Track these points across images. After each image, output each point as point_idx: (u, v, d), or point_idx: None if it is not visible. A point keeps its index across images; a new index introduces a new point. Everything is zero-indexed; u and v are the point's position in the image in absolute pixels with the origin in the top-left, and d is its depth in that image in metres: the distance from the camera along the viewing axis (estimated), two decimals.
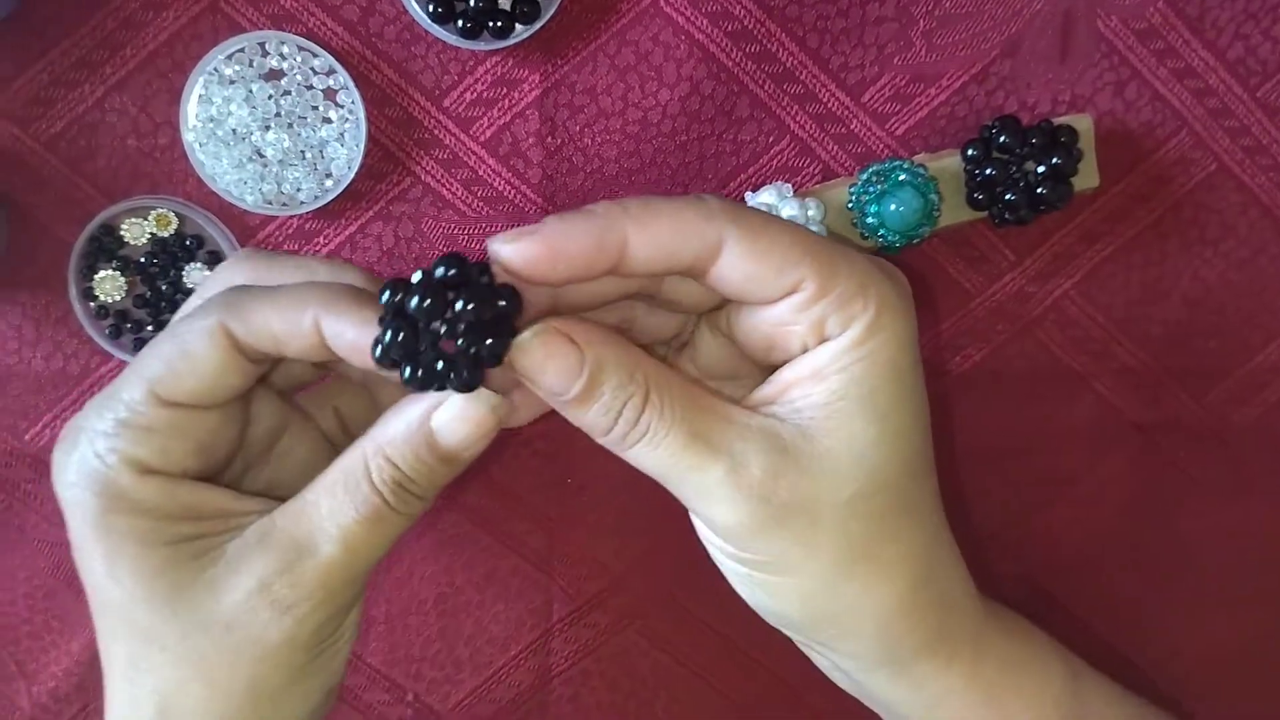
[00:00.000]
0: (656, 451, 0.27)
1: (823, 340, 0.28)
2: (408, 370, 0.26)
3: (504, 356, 0.27)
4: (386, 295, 0.26)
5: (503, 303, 0.27)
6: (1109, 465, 0.48)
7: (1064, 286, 0.45)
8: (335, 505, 0.28)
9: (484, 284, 0.27)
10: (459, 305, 0.26)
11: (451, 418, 0.28)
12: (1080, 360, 0.46)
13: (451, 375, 0.26)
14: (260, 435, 0.31)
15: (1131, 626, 0.49)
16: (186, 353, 0.28)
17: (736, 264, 0.27)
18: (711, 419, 0.27)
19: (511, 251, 0.26)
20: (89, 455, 0.27)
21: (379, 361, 0.26)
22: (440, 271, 0.27)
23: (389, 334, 0.26)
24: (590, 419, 0.27)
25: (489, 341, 0.26)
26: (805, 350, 0.28)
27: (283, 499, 0.29)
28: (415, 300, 0.26)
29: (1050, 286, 0.45)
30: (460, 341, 0.26)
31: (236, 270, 0.30)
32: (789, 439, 0.27)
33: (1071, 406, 0.47)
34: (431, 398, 0.28)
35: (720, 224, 0.27)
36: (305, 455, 0.33)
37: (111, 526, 0.27)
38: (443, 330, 0.26)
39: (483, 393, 0.28)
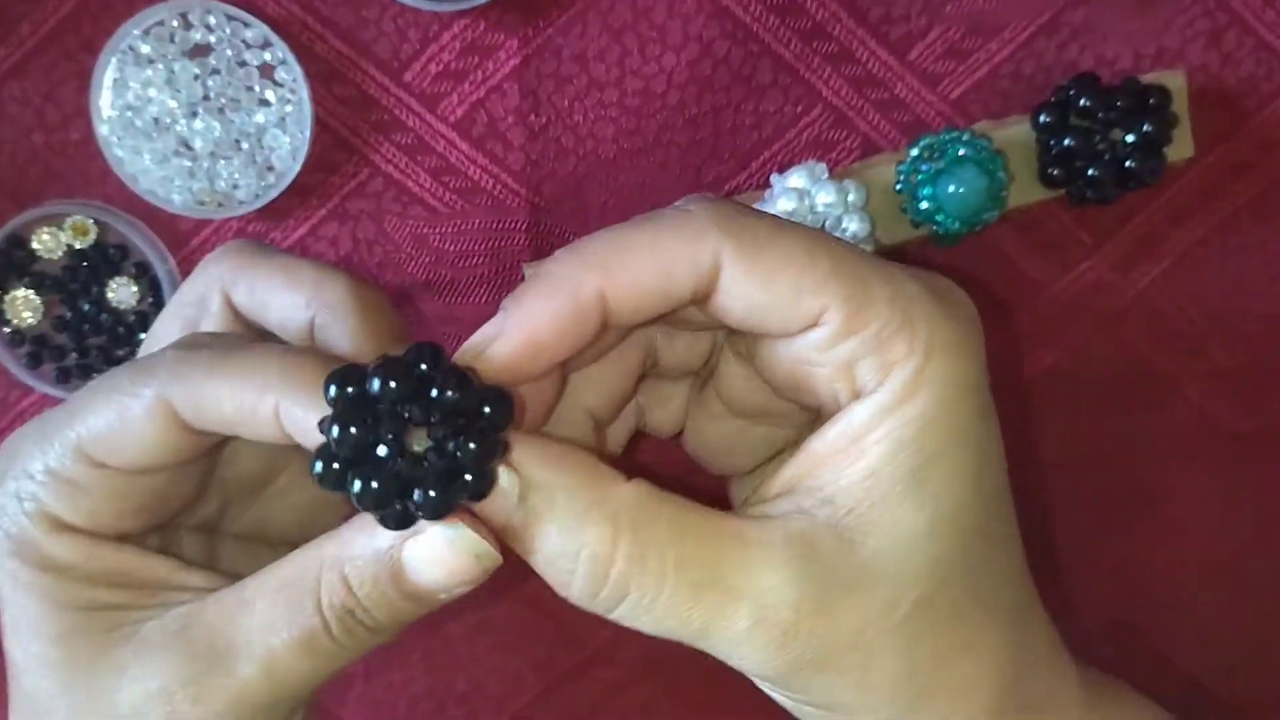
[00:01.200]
0: (652, 614, 0.21)
1: (856, 393, 0.22)
2: (358, 483, 0.21)
3: (491, 474, 0.22)
4: (334, 387, 0.21)
5: (488, 409, 0.21)
6: (1201, 480, 0.41)
7: (1150, 275, 0.38)
8: (270, 617, 0.23)
9: (465, 378, 0.21)
10: (436, 395, 0.21)
11: (426, 557, 0.22)
12: (1169, 360, 0.39)
13: (418, 495, 0.21)
14: (242, 476, 0.27)
15: (1229, 668, 0.43)
16: (124, 421, 0.23)
17: (737, 291, 0.22)
18: (721, 551, 0.21)
19: (488, 361, 0.22)
20: (9, 493, 0.24)
21: (320, 480, 0.21)
22: (411, 357, 0.21)
23: (336, 431, 0.21)
24: (542, 566, 0.22)
25: (473, 448, 0.21)
26: (837, 398, 0.22)
27: (271, 541, 0.27)
28: (377, 382, 0.21)
29: (1134, 275, 0.38)
30: (438, 447, 0.21)
31: (220, 265, 0.26)
32: (825, 551, 0.21)
33: (1159, 413, 0.40)
34: (387, 534, 0.22)
35: (713, 241, 0.22)
36: (308, 499, 0.28)
37: (18, 577, 0.24)
38: (415, 428, 0.21)
39: (467, 535, 0.22)
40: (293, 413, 0.22)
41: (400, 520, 0.21)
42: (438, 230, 0.35)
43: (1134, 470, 0.41)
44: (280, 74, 0.34)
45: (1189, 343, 0.39)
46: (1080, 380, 0.39)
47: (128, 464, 0.24)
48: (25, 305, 0.35)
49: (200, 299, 0.26)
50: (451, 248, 0.36)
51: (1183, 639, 0.43)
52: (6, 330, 0.36)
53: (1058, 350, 0.39)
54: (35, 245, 0.35)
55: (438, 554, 0.22)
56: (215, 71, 0.34)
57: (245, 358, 0.23)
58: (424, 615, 0.23)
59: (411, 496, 0.21)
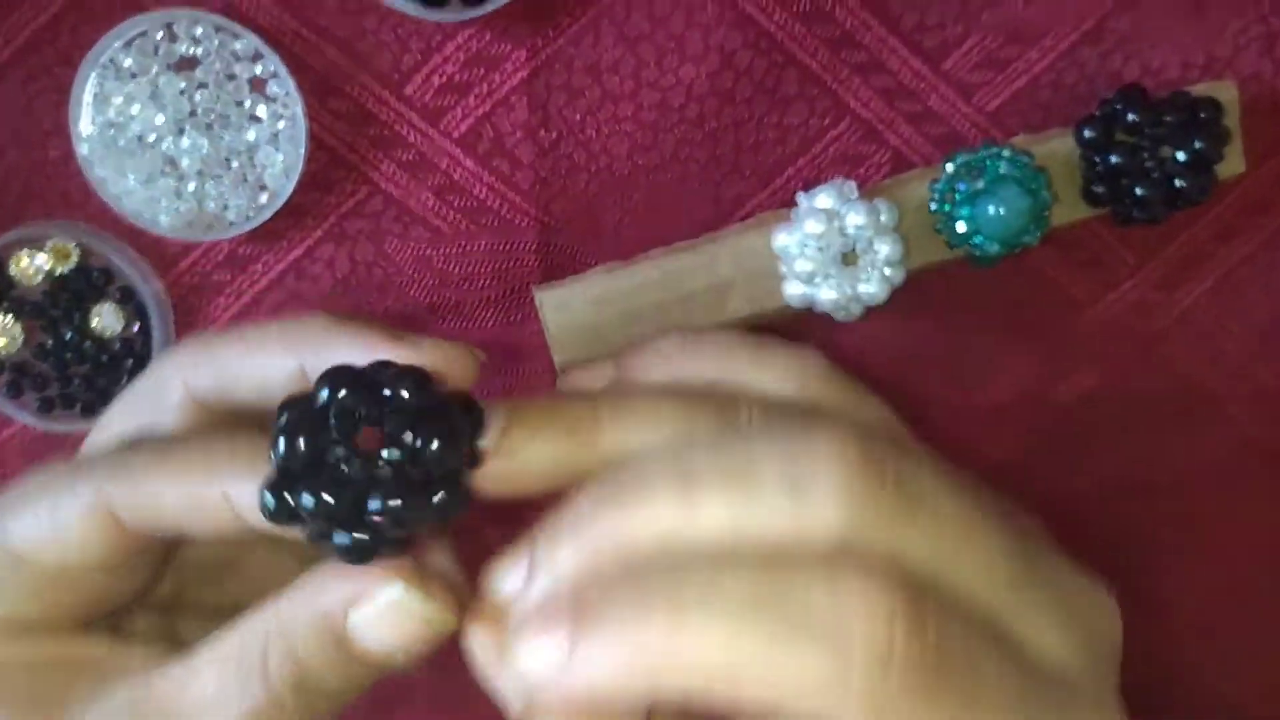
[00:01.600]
0: None
1: None
2: (308, 498, 0.19)
3: (464, 489, 0.19)
4: (281, 412, 0.18)
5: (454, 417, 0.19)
6: (1248, 508, 0.39)
7: (1194, 294, 0.36)
8: (220, 691, 0.21)
9: (423, 381, 0.19)
10: (399, 403, 0.19)
11: (373, 621, 0.20)
12: (1214, 382, 0.37)
13: (374, 503, 0.19)
14: (204, 559, 0.26)
15: (1274, 696, 0.41)
16: (56, 521, 0.22)
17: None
18: None
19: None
20: None
21: (270, 514, 0.19)
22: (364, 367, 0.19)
23: (282, 446, 0.19)
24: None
25: (437, 448, 0.19)
26: None
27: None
28: (325, 391, 0.19)
29: (1178, 294, 0.36)
30: (398, 446, 0.19)
31: (175, 356, 0.24)
32: None
33: (1203, 438, 0.38)
34: (344, 582, 0.20)
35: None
36: (276, 579, 0.25)
37: None
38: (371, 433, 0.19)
39: (414, 597, 0.20)
40: (243, 495, 0.20)
41: (360, 549, 0.19)
42: (441, 251, 0.33)
43: (1176, 496, 0.39)
44: (272, 88, 0.31)
45: (1234, 363, 0.37)
46: (1122, 403, 0.37)
47: (59, 564, 0.23)
48: (4, 332, 0.33)
49: (156, 392, 0.24)
50: (456, 270, 0.33)
51: (1226, 670, 0.41)
52: None
53: (1097, 372, 0.37)
54: (13, 270, 0.33)
55: (384, 618, 0.20)
56: (203, 86, 0.31)
57: (189, 447, 0.22)
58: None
59: (369, 511, 0.19)
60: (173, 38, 0.31)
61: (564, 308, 0.33)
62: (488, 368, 0.24)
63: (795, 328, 0.35)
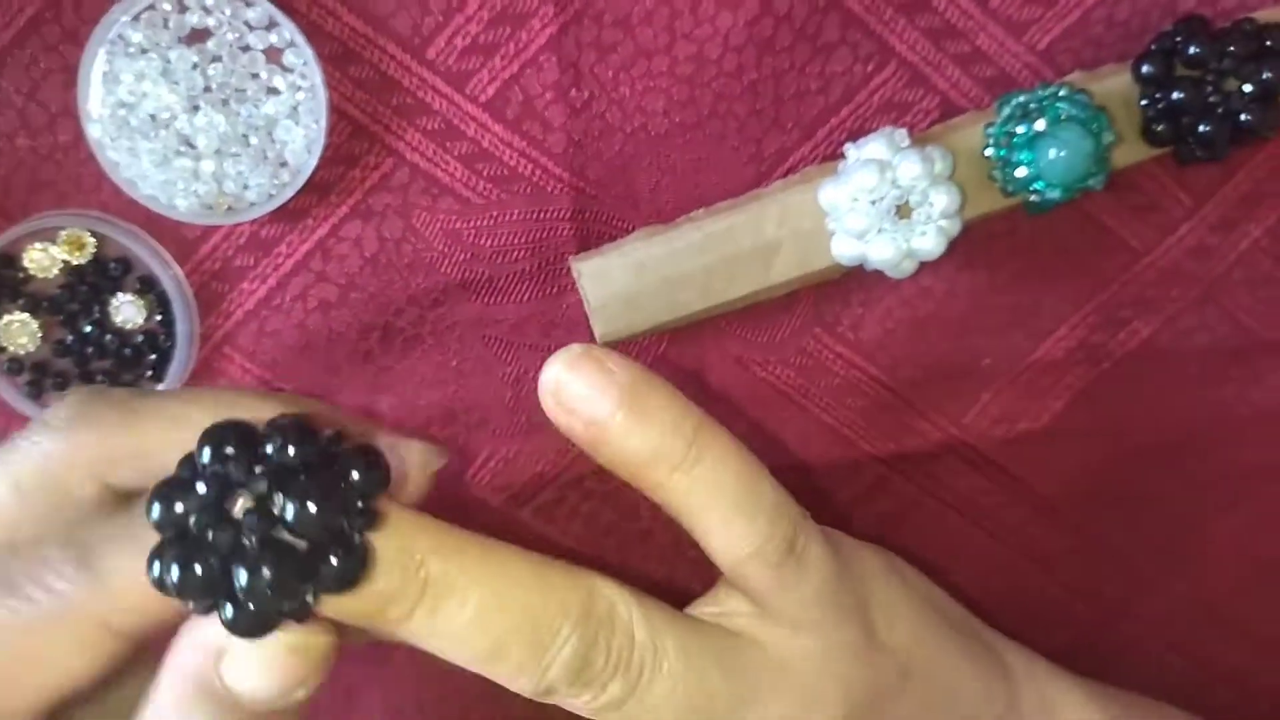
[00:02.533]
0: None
1: None
2: (173, 569, 0.18)
3: (351, 567, 0.19)
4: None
5: (356, 473, 0.19)
6: None
7: (1253, 235, 0.35)
8: None
9: (307, 432, 0.19)
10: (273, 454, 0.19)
11: (245, 672, 0.19)
12: (1273, 328, 0.36)
13: (241, 577, 0.18)
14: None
15: None
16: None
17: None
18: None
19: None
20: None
21: (153, 582, 0.18)
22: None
23: (156, 510, 0.19)
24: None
25: (312, 511, 0.18)
26: None
27: None
28: (207, 450, 0.19)
29: (1236, 236, 0.35)
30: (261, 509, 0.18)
31: (74, 445, 0.22)
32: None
33: (1261, 386, 0.37)
34: (209, 635, 0.19)
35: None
36: None
37: None
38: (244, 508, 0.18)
39: (279, 635, 0.19)
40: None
41: (244, 623, 0.18)
42: (472, 224, 0.32)
43: (1234, 448, 0.38)
44: (289, 58, 0.30)
45: None
46: (1177, 353, 0.36)
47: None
48: (21, 330, 0.32)
49: (58, 494, 0.22)
50: (488, 243, 0.32)
51: None
52: (3, 358, 0.32)
53: (1155, 321, 0.35)
54: (27, 263, 0.32)
55: (255, 666, 0.19)
56: (216, 59, 0.30)
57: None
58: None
59: (237, 584, 0.18)
60: (182, 8, 0.29)
61: (603, 277, 0.31)
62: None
63: (843, 285, 0.34)
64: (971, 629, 0.31)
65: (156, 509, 0.19)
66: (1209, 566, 0.39)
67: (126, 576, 0.20)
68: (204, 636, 0.20)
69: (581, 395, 0.22)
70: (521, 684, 0.21)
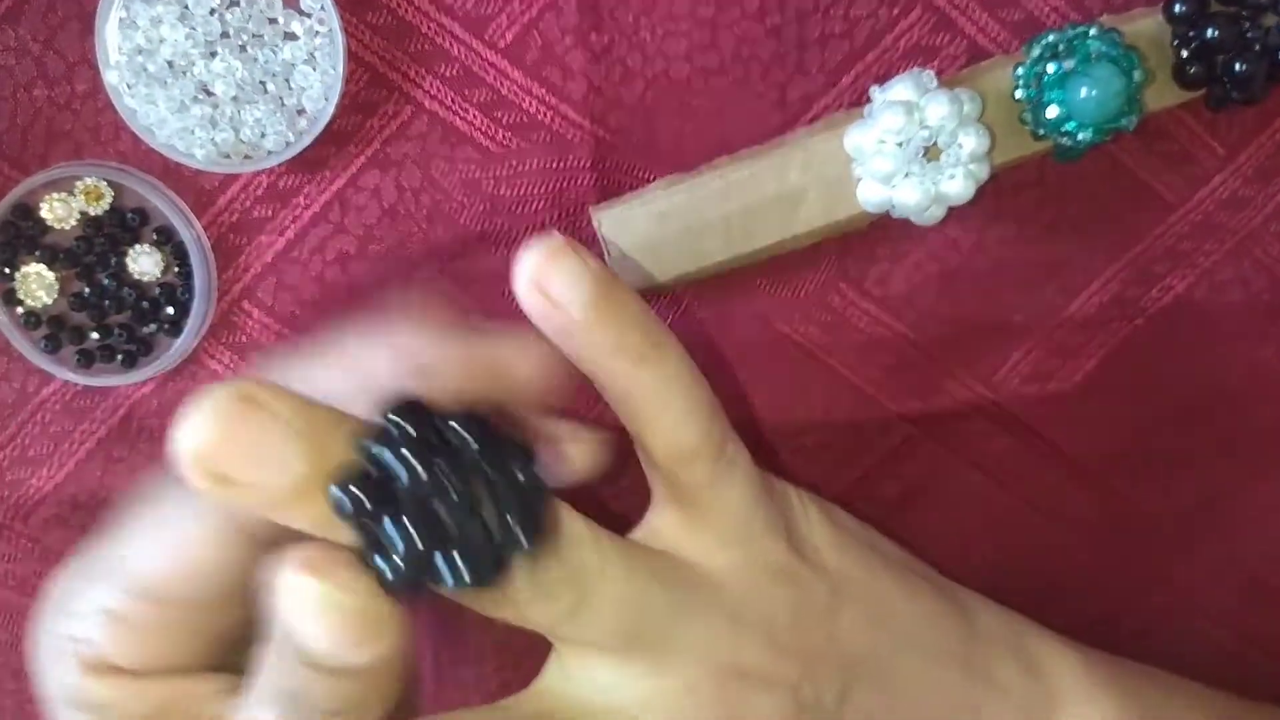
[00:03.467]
0: None
1: None
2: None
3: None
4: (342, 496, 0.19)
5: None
6: None
7: None
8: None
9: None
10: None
11: (295, 614, 0.19)
12: None
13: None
14: None
15: None
16: (188, 554, 0.23)
17: None
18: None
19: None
20: (64, 637, 0.24)
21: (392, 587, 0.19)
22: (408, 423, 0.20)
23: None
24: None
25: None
26: None
27: None
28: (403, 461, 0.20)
29: (1272, 187, 0.34)
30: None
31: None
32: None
33: None
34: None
35: None
36: None
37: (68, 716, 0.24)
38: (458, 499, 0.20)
39: (301, 579, 0.19)
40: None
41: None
42: (491, 173, 0.31)
43: (1270, 407, 0.37)
44: (307, 3, 0.30)
45: None
46: (1212, 310, 0.35)
47: (187, 599, 0.23)
48: (38, 283, 0.32)
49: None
50: (508, 192, 0.32)
51: None
52: (20, 311, 0.32)
53: (1190, 276, 0.34)
54: (44, 214, 0.31)
55: (298, 609, 0.19)
56: (234, 4, 0.30)
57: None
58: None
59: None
60: None
61: (624, 226, 0.31)
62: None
63: (869, 239, 0.33)
64: (920, 571, 0.31)
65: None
66: (1246, 532, 0.38)
67: None
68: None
69: (559, 283, 0.22)
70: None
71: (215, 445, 0.18)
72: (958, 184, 0.29)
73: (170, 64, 0.30)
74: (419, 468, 0.19)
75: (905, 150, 0.29)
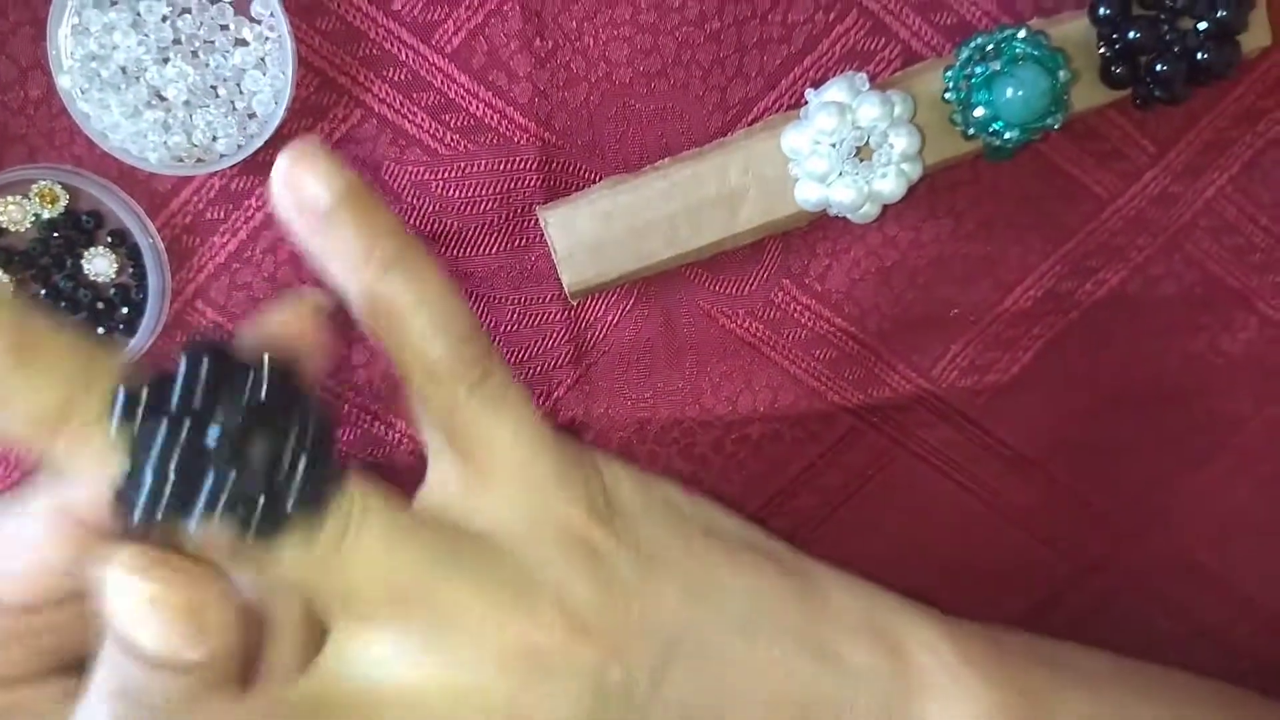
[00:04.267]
0: None
1: None
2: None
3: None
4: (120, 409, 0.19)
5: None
6: (1277, 403, 0.38)
7: (1218, 182, 0.35)
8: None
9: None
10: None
11: (120, 612, 0.19)
12: (1240, 275, 0.36)
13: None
14: None
15: None
16: (23, 551, 0.22)
17: None
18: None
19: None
20: None
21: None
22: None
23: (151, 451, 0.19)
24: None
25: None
26: None
27: None
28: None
29: (1201, 184, 0.35)
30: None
31: None
32: None
33: (1231, 335, 0.37)
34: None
35: None
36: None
37: None
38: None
39: (119, 573, 0.19)
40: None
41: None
42: (440, 175, 0.32)
43: (1206, 398, 0.38)
44: (256, 8, 0.30)
45: (1261, 254, 0.36)
46: (1146, 303, 0.36)
47: (29, 603, 0.22)
48: None
49: None
50: (456, 194, 0.32)
51: (1258, 578, 0.40)
52: None
53: (1123, 271, 0.35)
54: (0, 217, 0.32)
55: (123, 607, 0.19)
56: (185, 11, 0.30)
57: None
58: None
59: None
60: None
61: (569, 226, 0.32)
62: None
63: (810, 236, 0.34)
64: (755, 543, 0.29)
65: (129, 422, 0.19)
66: (1185, 519, 0.39)
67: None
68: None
69: (312, 181, 0.22)
70: None
71: None
72: (890, 182, 0.30)
73: (123, 69, 0.30)
74: (197, 395, 0.19)
75: (839, 150, 0.30)
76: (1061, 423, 0.37)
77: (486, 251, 0.33)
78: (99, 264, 0.32)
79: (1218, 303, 0.36)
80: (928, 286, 0.35)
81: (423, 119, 0.32)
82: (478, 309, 0.34)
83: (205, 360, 0.19)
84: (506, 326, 0.34)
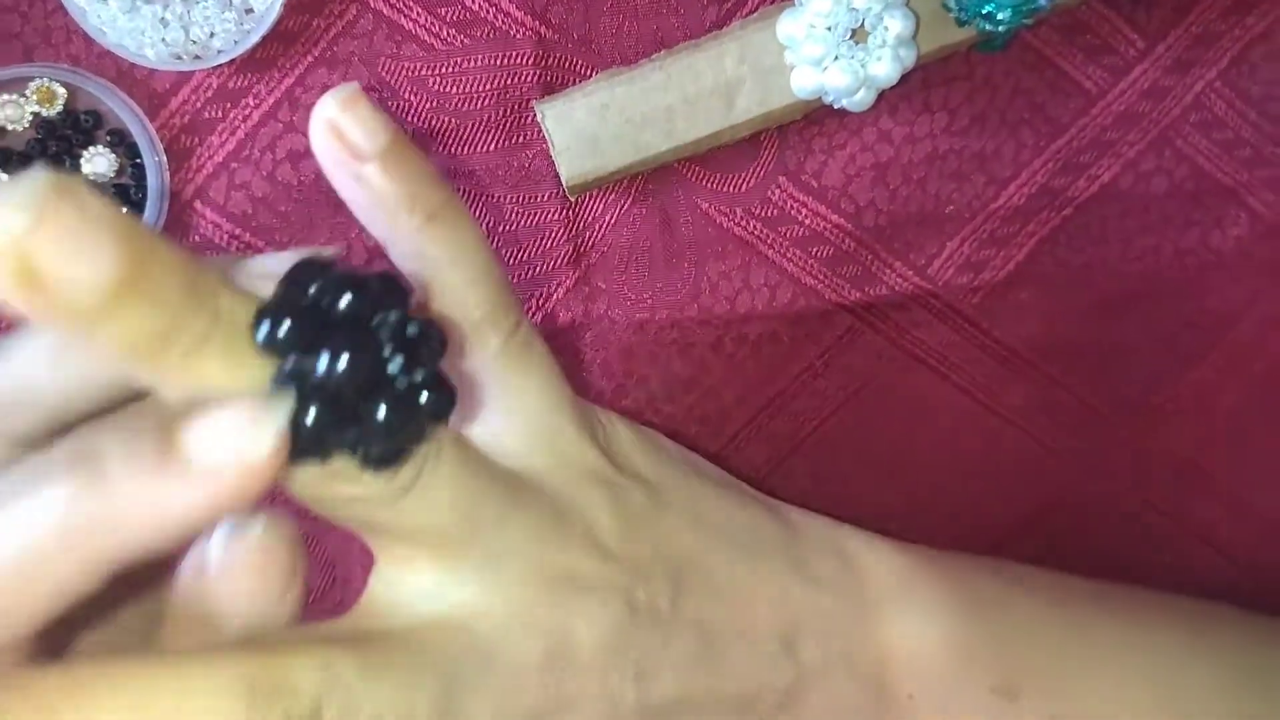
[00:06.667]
0: None
1: None
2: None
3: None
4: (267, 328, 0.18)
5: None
6: (1268, 299, 0.38)
7: (1207, 77, 0.36)
8: None
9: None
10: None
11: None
12: (1230, 170, 0.37)
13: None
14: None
15: None
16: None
17: None
18: None
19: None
20: None
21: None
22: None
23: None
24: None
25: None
26: None
27: None
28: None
29: (1190, 78, 0.35)
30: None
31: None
32: None
33: (1222, 231, 0.37)
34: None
35: None
36: None
37: None
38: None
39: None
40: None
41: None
42: (437, 70, 0.32)
43: (1199, 295, 0.38)
44: None
45: (1250, 148, 0.37)
46: (1137, 198, 0.37)
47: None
48: None
49: None
50: (453, 89, 0.32)
51: (1253, 478, 0.41)
52: None
53: (1115, 166, 0.36)
54: None
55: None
56: None
57: None
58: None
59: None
60: None
61: (566, 119, 0.32)
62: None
63: (806, 131, 0.34)
64: (739, 487, 0.31)
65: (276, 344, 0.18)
66: (1179, 418, 0.40)
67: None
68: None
69: (356, 128, 0.21)
70: None
71: (27, 232, 0.16)
72: (884, 66, 0.31)
73: None
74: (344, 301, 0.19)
75: (834, 34, 0.30)
76: (1056, 321, 0.38)
77: (484, 149, 0.33)
78: (98, 163, 0.32)
79: (1208, 198, 0.37)
80: (923, 183, 0.35)
81: (419, 13, 0.32)
82: (476, 209, 0.34)
83: (334, 284, 0.19)
84: (505, 226, 0.34)
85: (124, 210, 0.18)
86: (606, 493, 0.25)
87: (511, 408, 0.25)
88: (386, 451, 0.19)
